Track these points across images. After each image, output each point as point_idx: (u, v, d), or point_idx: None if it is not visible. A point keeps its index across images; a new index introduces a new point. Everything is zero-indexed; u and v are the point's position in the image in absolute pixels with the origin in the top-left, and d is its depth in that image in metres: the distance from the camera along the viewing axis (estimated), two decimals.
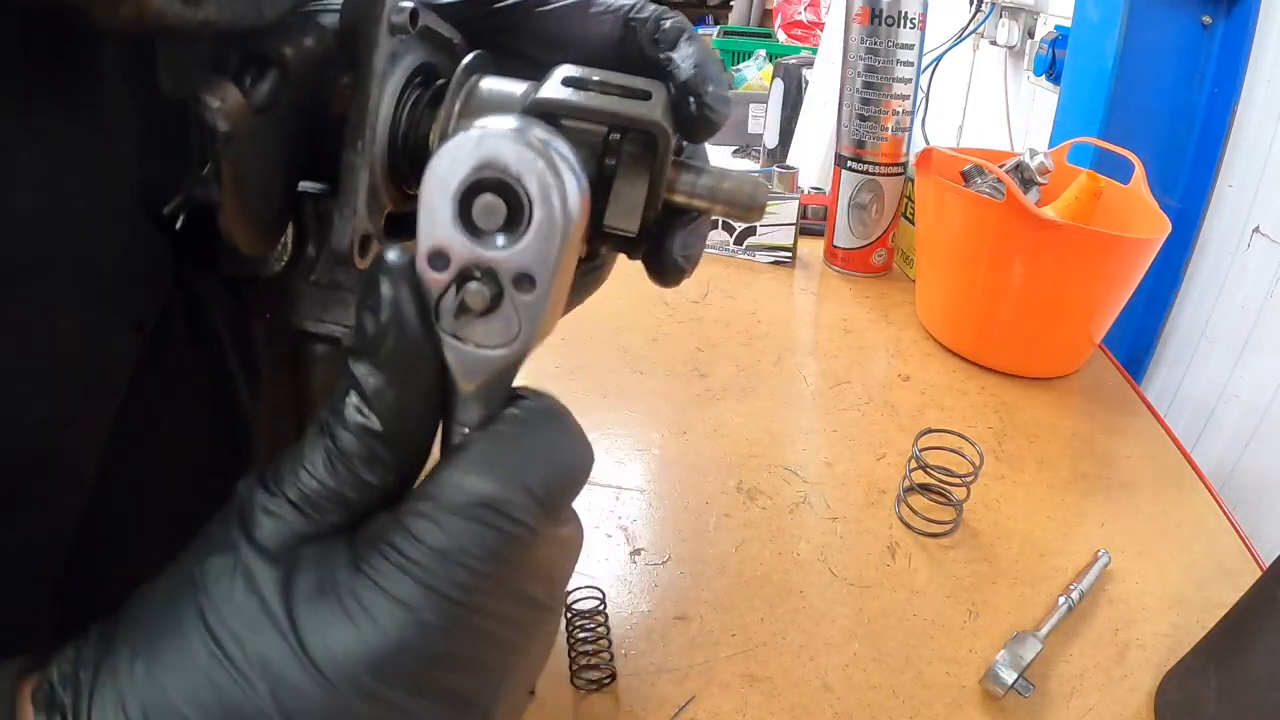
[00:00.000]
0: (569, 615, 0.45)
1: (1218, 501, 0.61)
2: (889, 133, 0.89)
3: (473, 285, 0.18)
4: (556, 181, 0.17)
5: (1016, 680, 0.43)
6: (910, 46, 0.85)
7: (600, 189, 0.23)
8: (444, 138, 0.22)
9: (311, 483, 0.18)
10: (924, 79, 1.10)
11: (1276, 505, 0.97)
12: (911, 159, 0.90)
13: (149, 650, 0.17)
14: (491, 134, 0.17)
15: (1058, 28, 1.22)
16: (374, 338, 0.18)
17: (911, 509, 0.57)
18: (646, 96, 0.22)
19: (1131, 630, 0.49)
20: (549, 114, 0.22)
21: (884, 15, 0.84)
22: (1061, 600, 0.49)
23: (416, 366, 0.19)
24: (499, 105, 0.24)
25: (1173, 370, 1.19)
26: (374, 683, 0.17)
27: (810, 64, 1.56)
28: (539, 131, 0.18)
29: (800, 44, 2.22)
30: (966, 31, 1.38)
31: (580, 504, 0.21)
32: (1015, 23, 1.34)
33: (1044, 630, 0.47)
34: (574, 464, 0.20)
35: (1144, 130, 1.08)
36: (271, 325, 0.26)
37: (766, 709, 0.43)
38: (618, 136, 0.22)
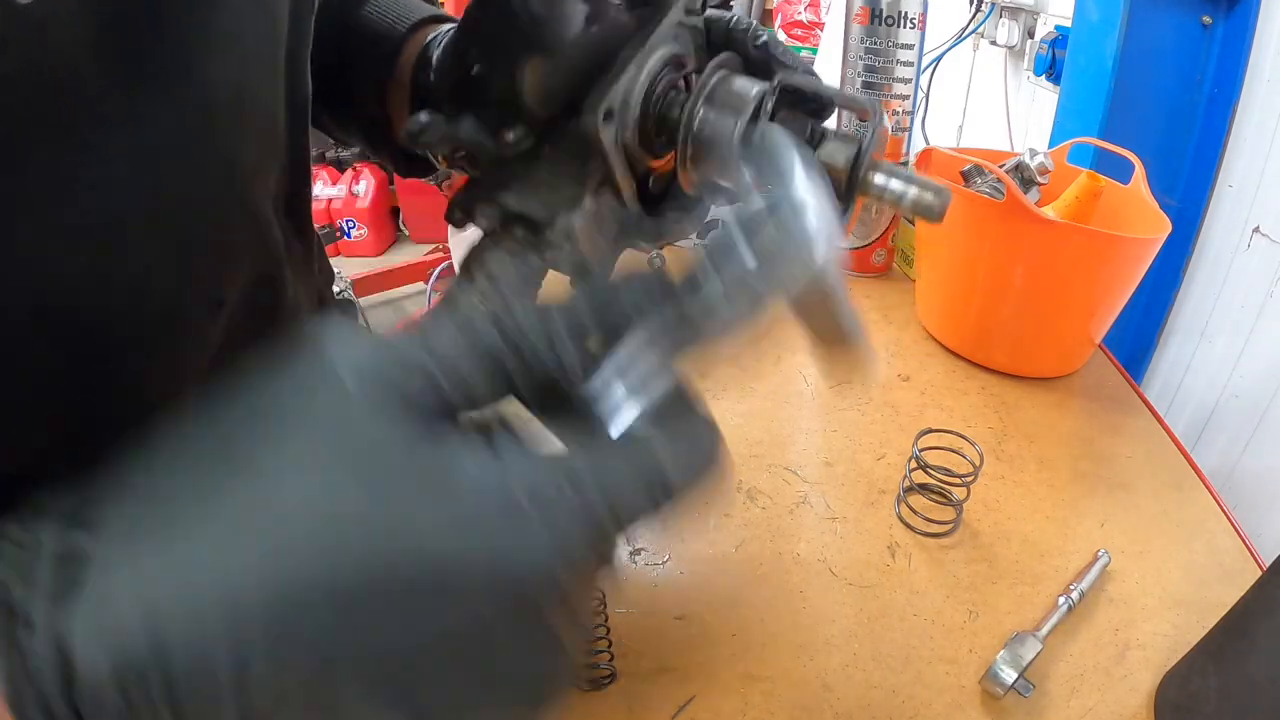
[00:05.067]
0: None
1: (1218, 501, 0.61)
2: (889, 133, 0.89)
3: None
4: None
5: (1016, 680, 0.43)
6: (910, 46, 0.85)
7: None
8: (688, 116, 0.27)
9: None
10: (924, 79, 1.10)
11: (1276, 505, 0.97)
12: (911, 159, 0.90)
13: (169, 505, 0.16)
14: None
15: (1058, 28, 1.22)
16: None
17: (911, 509, 0.57)
18: (867, 99, 0.30)
19: (1131, 630, 0.49)
20: (798, 90, 0.29)
21: (884, 15, 0.84)
22: (1061, 600, 0.49)
23: None
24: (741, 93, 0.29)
25: (1173, 370, 1.19)
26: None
27: (810, 64, 1.56)
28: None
29: (800, 44, 2.22)
30: (966, 31, 1.38)
31: None
32: (1015, 23, 1.34)
33: (1044, 630, 0.47)
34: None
35: (1144, 130, 1.08)
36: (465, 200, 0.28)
37: (766, 709, 0.43)
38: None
